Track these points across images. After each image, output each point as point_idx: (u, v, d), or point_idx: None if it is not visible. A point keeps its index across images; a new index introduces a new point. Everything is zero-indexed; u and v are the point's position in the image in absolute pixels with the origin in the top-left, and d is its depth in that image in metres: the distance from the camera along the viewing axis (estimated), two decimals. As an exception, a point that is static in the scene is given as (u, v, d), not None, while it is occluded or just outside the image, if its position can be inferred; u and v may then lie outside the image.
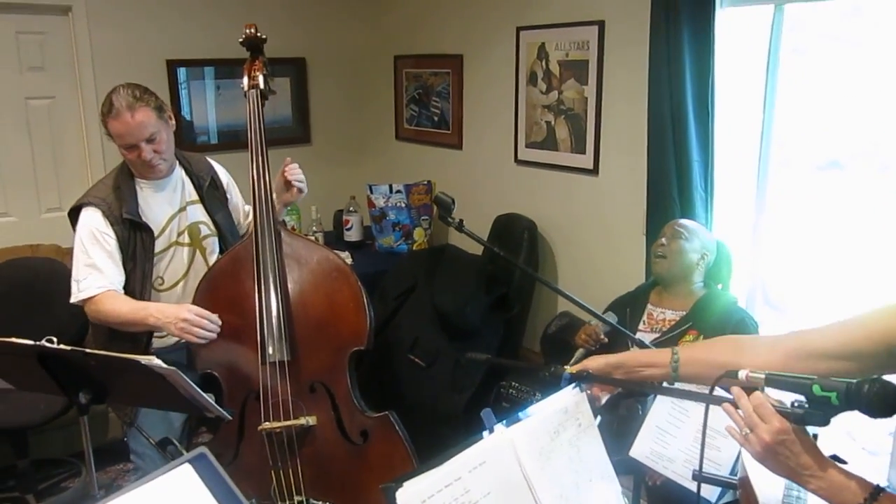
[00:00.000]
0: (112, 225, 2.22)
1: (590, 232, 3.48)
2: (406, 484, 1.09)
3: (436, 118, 4.30)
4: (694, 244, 2.58)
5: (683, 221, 2.68)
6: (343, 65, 4.60)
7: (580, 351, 2.62)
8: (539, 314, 3.75)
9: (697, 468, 1.37)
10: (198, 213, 2.43)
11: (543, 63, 3.52)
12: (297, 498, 2.29)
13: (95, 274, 2.20)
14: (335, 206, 4.39)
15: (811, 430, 1.18)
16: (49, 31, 3.70)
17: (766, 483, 1.36)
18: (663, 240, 2.61)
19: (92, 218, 2.23)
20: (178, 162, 2.40)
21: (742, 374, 1.17)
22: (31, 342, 1.68)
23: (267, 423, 2.25)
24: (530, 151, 3.71)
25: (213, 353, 2.29)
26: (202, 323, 2.14)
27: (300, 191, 2.44)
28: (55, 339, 1.69)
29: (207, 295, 2.27)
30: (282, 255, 2.30)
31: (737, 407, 1.17)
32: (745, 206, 2.95)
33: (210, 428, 2.61)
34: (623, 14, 3.12)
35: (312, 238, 3.81)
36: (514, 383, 3.02)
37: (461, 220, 1.94)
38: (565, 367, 1.43)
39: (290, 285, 2.30)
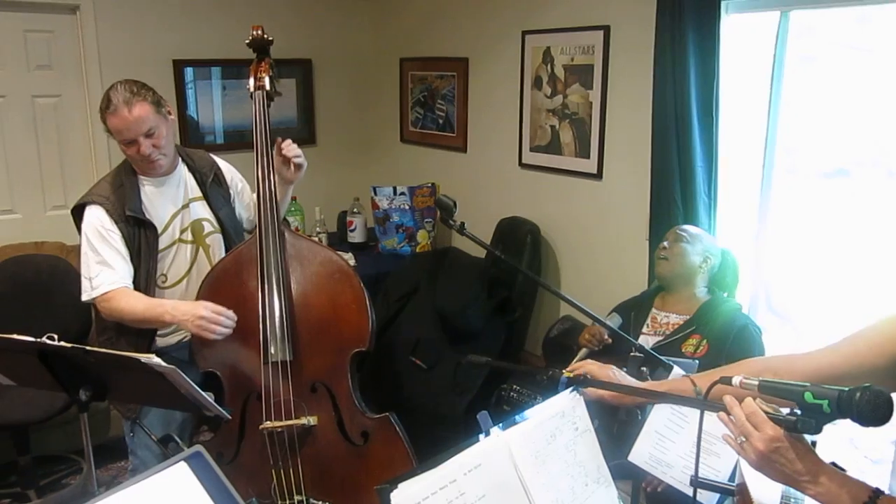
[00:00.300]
0: (116, 223, 2.23)
1: (593, 236, 3.48)
2: (401, 485, 1.09)
3: (440, 121, 4.30)
4: (696, 247, 2.60)
5: (686, 227, 2.70)
6: (349, 66, 4.61)
7: (583, 350, 2.63)
8: (541, 318, 3.75)
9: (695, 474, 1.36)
10: (201, 210, 2.44)
11: (548, 67, 3.53)
12: (296, 497, 2.29)
13: (107, 270, 2.21)
14: (339, 207, 4.40)
15: (810, 438, 1.17)
16: (57, 30, 3.72)
17: (763, 489, 1.35)
18: (666, 243, 2.65)
19: (97, 216, 2.23)
20: (180, 159, 2.41)
21: (736, 381, 1.17)
22: (31, 339, 1.69)
23: (268, 422, 2.26)
24: (534, 155, 3.71)
25: (216, 353, 2.30)
26: (219, 320, 2.13)
27: (299, 166, 2.41)
28: (56, 336, 1.70)
29: (210, 294, 2.28)
30: (285, 255, 2.31)
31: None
32: (749, 212, 2.95)
33: (211, 426, 2.62)
34: (628, 19, 3.12)
35: (316, 239, 3.82)
36: (515, 386, 3.02)
37: (462, 223, 1.94)
38: (563, 370, 1.43)
39: (292, 286, 2.31)
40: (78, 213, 2.29)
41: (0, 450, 3.26)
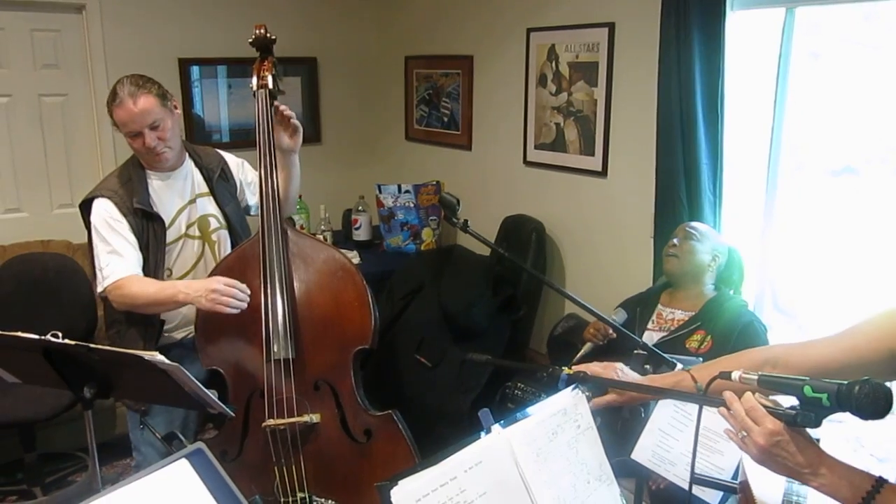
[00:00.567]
0: (125, 215, 2.25)
1: (598, 234, 3.47)
2: (401, 482, 1.08)
3: (445, 119, 4.30)
4: (705, 246, 2.60)
5: (695, 224, 2.70)
6: (354, 65, 4.62)
7: (588, 345, 2.63)
8: (546, 316, 3.75)
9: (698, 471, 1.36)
10: (208, 206, 2.45)
11: (553, 65, 3.52)
12: (299, 494, 2.30)
13: (118, 259, 2.22)
14: (344, 206, 4.40)
15: (814, 434, 1.17)
16: (63, 29, 3.74)
17: (766, 487, 1.35)
18: (675, 240, 2.64)
19: (105, 207, 2.25)
20: (187, 154, 2.42)
21: (735, 376, 1.17)
22: (36, 336, 1.69)
23: (271, 419, 2.26)
24: (539, 153, 3.70)
25: (219, 350, 2.31)
26: (232, 292, 2.13)
27: (296, 129, 2.43)
28: (60, 334, 1.70)
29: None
30: (288, 253, 2.31)
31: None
32: (754, 209, 2.94)
33: (216, 424, 2.63)
34: (633, 16, 3.11)
35: (320, 237, 3.83)
36: (519, 384, 3.01)
37: (466, 221, 1.94)
38: (563, 368, 1.43)
39: (295, 284, 2.31)
40: (86, 207, 2.30)
41: (6, 447, 3.28)
